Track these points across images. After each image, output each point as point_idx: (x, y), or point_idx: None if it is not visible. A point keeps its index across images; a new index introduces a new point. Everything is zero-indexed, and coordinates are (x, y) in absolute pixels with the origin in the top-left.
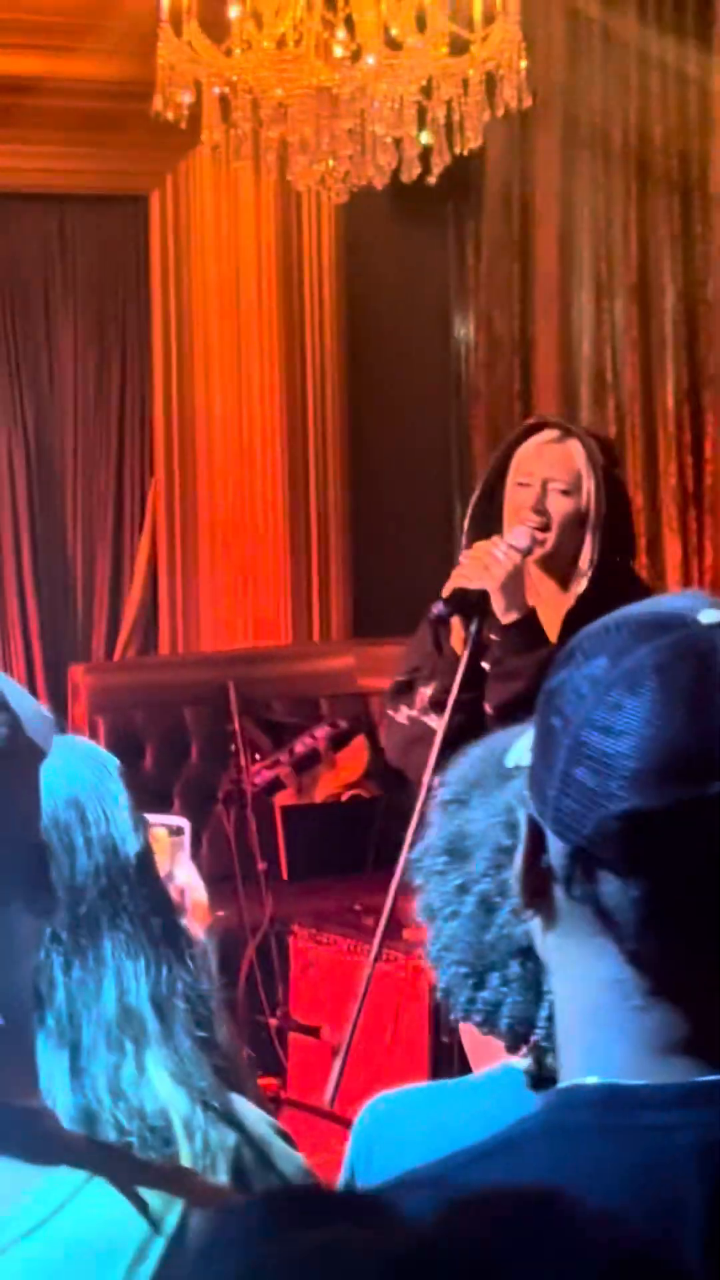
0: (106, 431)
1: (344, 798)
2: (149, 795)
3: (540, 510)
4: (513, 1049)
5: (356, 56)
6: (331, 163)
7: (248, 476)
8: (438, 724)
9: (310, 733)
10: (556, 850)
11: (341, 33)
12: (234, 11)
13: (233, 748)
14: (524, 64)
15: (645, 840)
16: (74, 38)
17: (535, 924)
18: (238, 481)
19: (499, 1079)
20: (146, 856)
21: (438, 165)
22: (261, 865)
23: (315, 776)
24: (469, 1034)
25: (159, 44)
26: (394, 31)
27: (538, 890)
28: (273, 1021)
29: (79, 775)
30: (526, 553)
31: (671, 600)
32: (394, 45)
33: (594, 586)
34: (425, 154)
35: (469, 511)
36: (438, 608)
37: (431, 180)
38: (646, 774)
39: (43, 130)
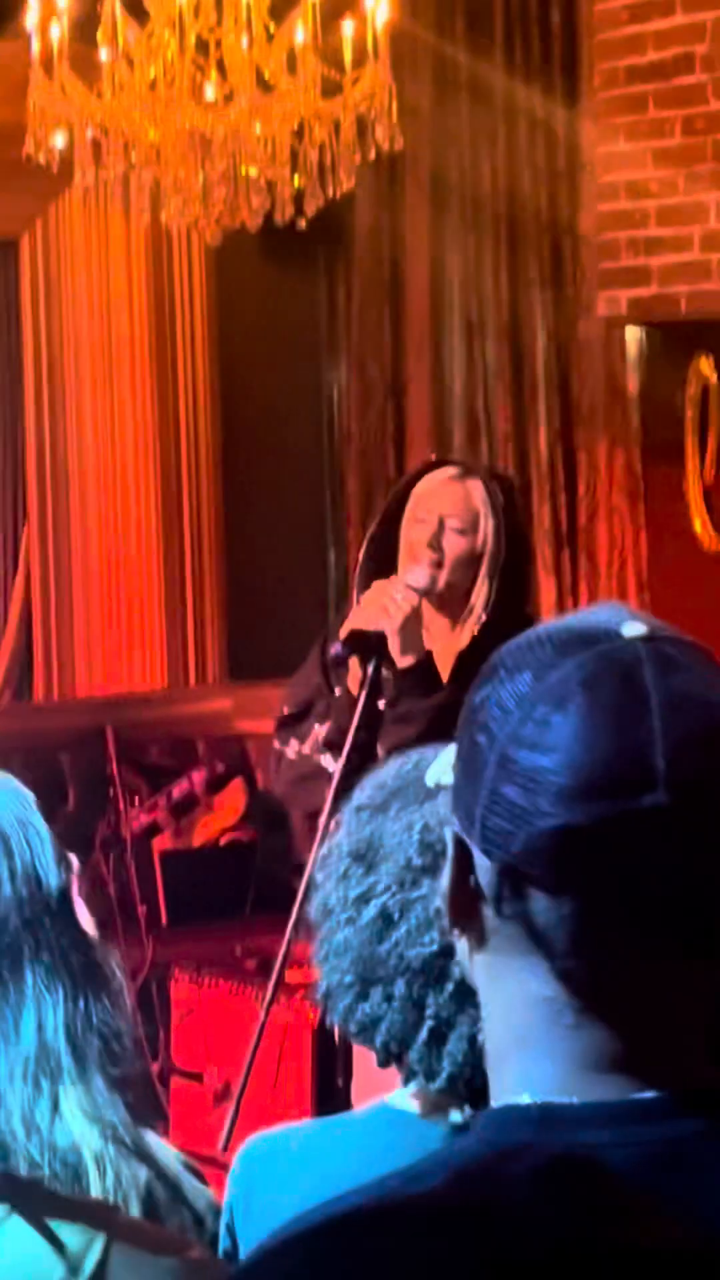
0: None
1: (222, 841)
2: None
3: (435, 546)
4: (383, 1064)
5: (229, 99)
6: (204, 206)
7: (121, 520)
8: (332, 765)
9: (187, 776)
10: (484, 869)
11: (214, 75)
12: (105, 54)
13: (110, 793)
14: (394, 106)
15: (575, 857)
16: None
17: (463, 944)
18: (111, 525)
19: (376, 1116)
20: (68, 891)
21: (311, 207)
22: (141, 910)
23: (193, 820)
24: (361, 1069)
25: (30, 87)
26: (266, 74)
27: (465, 910)
28: (154, 1067)
29: (1, 807)
30: (424, 593)
31: (593, 614)
32: (266, 87)
33: (487, 629)
34: (298, 196)
35: (363, 549)
36: (335, 648)
37: (303, 223)
38: (575, 790)
39: None
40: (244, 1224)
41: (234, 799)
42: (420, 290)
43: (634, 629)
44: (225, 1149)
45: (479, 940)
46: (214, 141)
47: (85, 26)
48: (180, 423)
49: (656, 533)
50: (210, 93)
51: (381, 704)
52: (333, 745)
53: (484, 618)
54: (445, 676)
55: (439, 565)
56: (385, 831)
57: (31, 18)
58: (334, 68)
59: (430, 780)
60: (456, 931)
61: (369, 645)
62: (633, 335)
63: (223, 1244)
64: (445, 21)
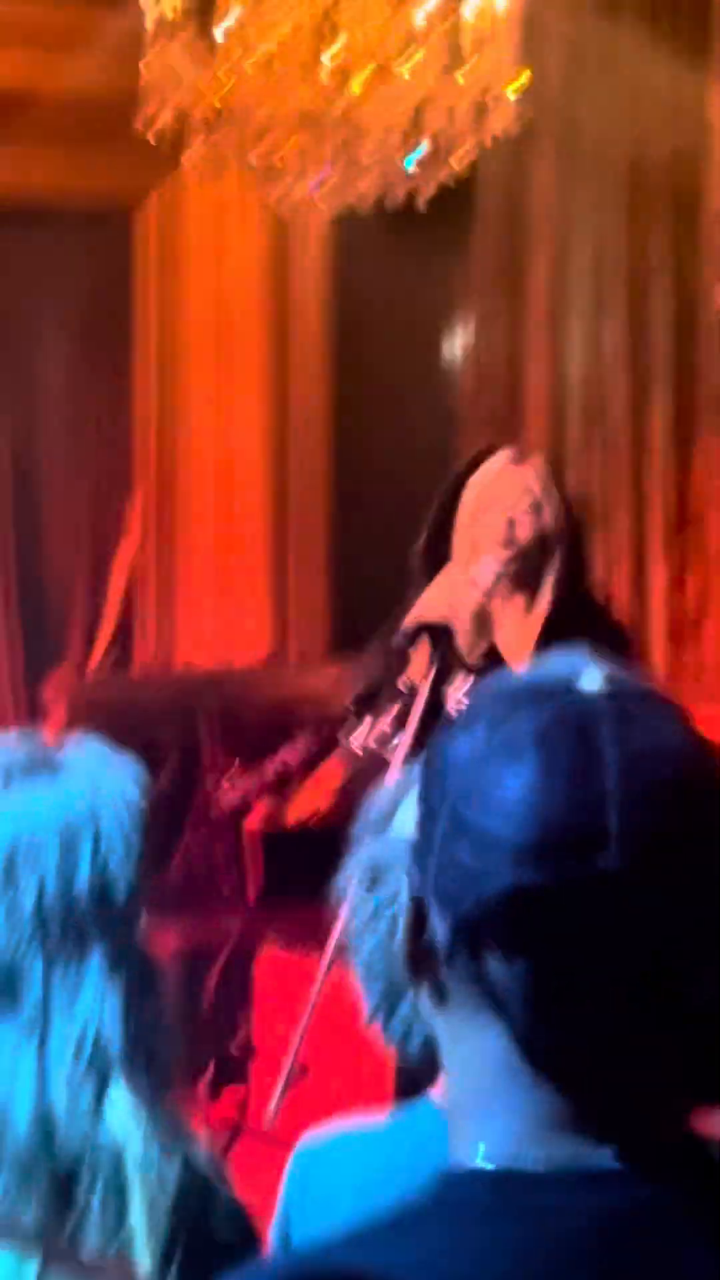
0: (88, 443)
1: (315, 822)
2: None
3: (510, 540)
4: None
5: (345, 79)
6: (315, 184)
7: (230, 494)
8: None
9: (283, 754)
10: (440, 926)
11: (329, 53)
12: (219, 32)
13: (203, 769)
14: (513, 91)
15: (526, 918)
16: (57, 50)
17: (424, 999)
18: (220, 499)
19: (420, 1113)
20: (142, 887)
21: (424, 191)
22: (229, 888)
23: (287, 798)
24: None
25: (142, 63)
26: (384, 55)
27: (422, 966)
28: (237, 1043)
29: (104, 785)
30: (493, 587)
31: (554, 665)
32: (383, 70)
33: (555, 607)
34: (410, 179)
35: (423, 538)
36: (399, 638)
37: (420, 206)
38: (527, 849)
39: (29, 145)
40: (299, 1226)
41: (330, 778)
42: (541, 273)
43: (593, 683)
44: (272, 1123)
45: (438, 997)
46: (326, 123)
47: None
48: (292, 397)
49: None
50: (324, 73)
51: (445, 696)
52: (392, 738)
53: (555, 598)
54: (523, 661)
55: (509, 557)
56: (391, 842)
57: None
58: (454, 51)
59: (395, 832)
60: (415, 987)
61: (435, 637)
62: None
63: (274, 1244)
64: (579, 2)
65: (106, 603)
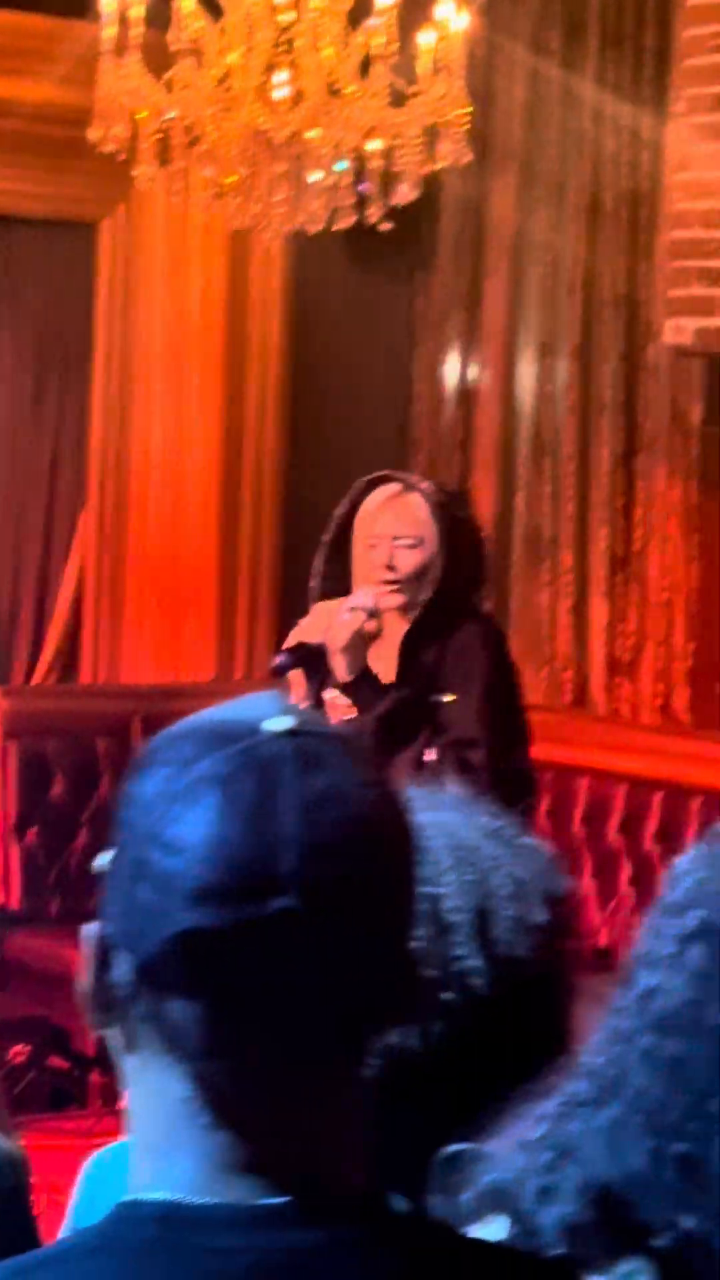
0: (39, 457)
1: None
2: (56, 823)
3: (391, 567)
4: None
5: (297, 101)
6: (264, 207)
7: (181, 510)
8: None
9: None
10: (123, 966)
11: (283, 75)
12: (175, 46)
13: None
14: (464, 116)
15: (204, 960)
16: (24, 61)
17: (112, 1040)
18: (170, 515)
19: None
20: None
21: (373, 215)
22: None
23: None
24: None
25: (98, 74)
26: (337, 80)
27: (107, 1005)
28: None
29: None
30: (372, 614)
31: (243, 705)
32: (335, 93)
33: (425, 614)
34: (361, 202)
35: (316, 565)
36: (279, 659)
37: (369, 229)
38: (203, 892)
39: None
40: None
41: None
42: (498, 302)
43: (280, 724)
44: None
45: (123, 1037)
46: (276, 143)
47: (162, 12)
48: (247, 417)
49: (709, 565)
50: (277, 94)
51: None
52: None
53: (422, 608)
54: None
55: (392, 583)
56: None
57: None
58: (409, 78)
59: (95, 867)
60: (101, 1026)
61: (312, 658)
62: (699, 365)
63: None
64: (542, 34)
65: (52, 618)
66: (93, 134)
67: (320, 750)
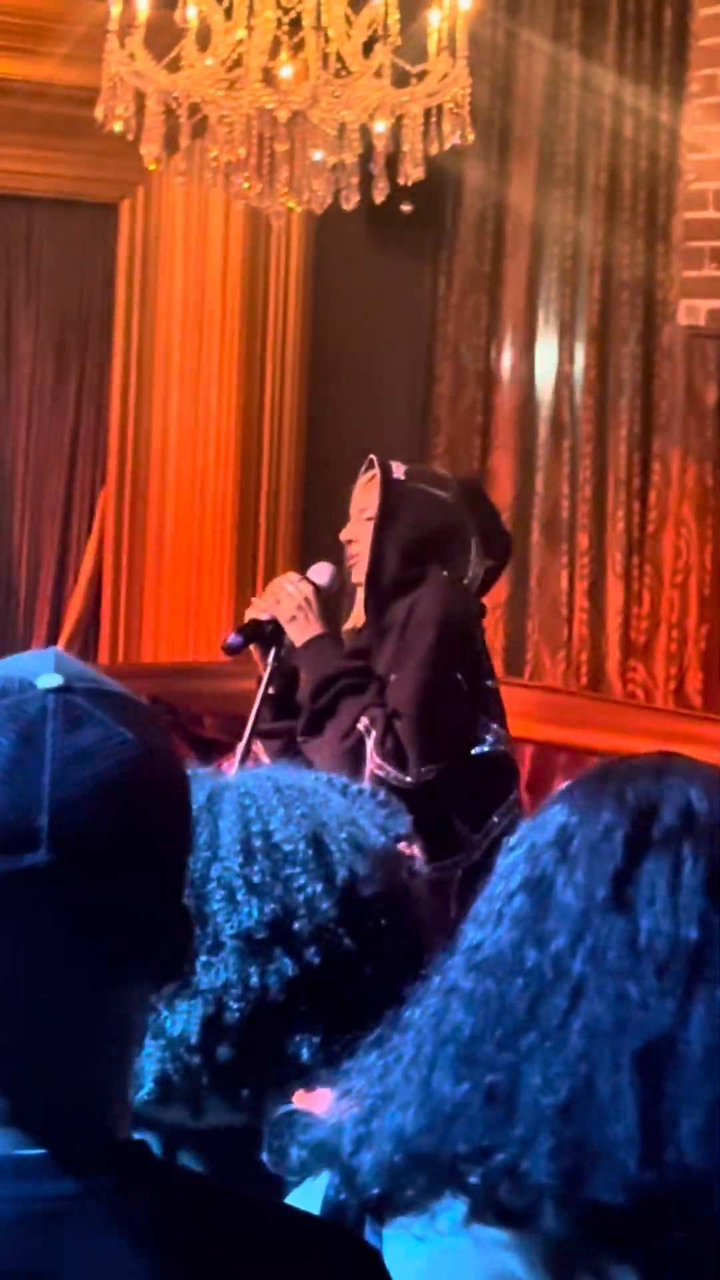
0: (60, 436)
1: None
2: None
3: (351, 539)
4: None
5: (300, 80)
6: (268, 185)
7: (200, 491)
8: (263, 753)
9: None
10: None
11: (286, 56)
12: (182, 17)
13: None
14: (466, 95)
15: None
16: (44, 41)
17: None
18: (190, 495)
19: None
20: None
21: (379, 193)
22: None
23: None
24: None
25: (104, 55)
26: (342, 59)
27: None
28: None
29: None
30: (329, 587)
31: (18, 662)
32: (339, 74)
33: (370, 580)
34: (367, 180)
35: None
36: (230, 638)
37: (405, 208)
38: None
39: (14, 133)
40: None
41: None
42: (518, 284)
43: (49, 681)
44: None
45: None
46: (279, 122)
47: None
48: (266, 398)
49: None
50: (283, 73)
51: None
52: (259, 734)
53: (365, 577)
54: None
55: (349, 558)
56: None
57: None
58: (415, 58)
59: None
60: None
61: (265, 634)
62: (714, 347)
63: None
64: (560, 16)
65: (71, 597)
66: (98, 113)
67: (87, 706)
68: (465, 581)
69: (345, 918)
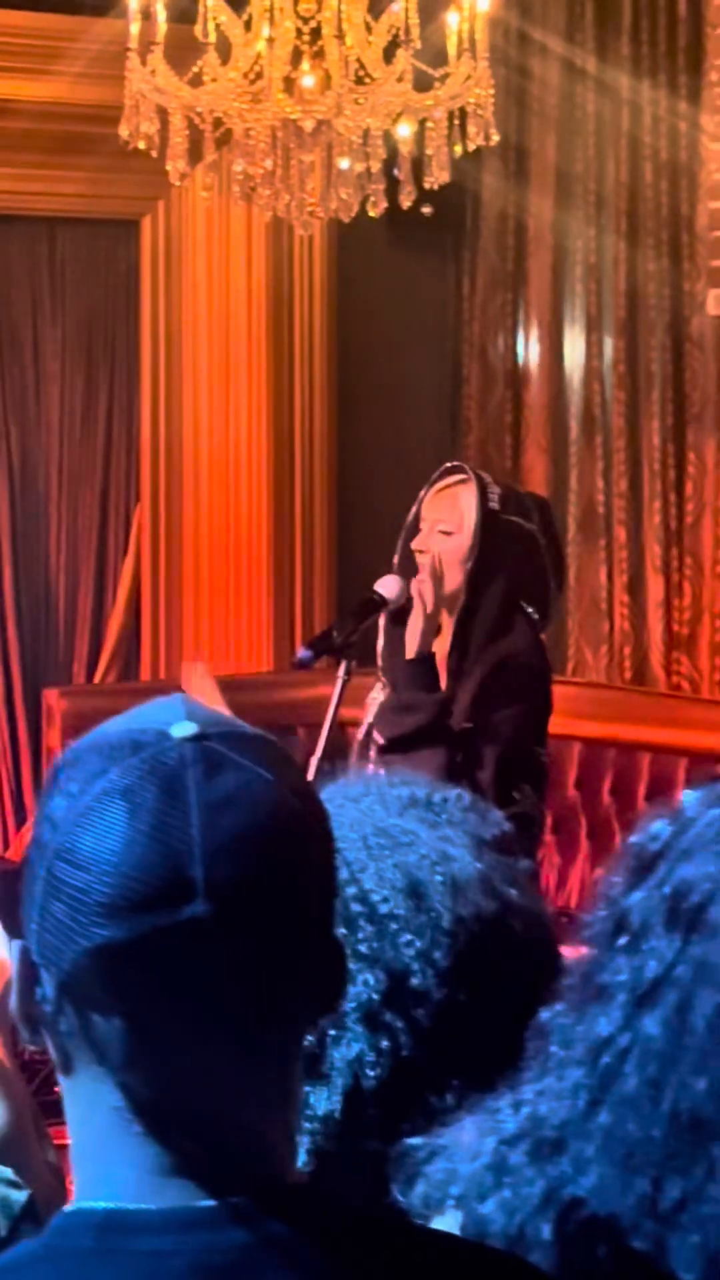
0: (92, 455)
1: None
2: None
3: (423, 551)
4: None
5: (324, 90)
6: (294, 196)
7: (234, 504)
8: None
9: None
10: (47, 984)
11: (307, 65)
12: (202, 31)
13: None
14: (490, 96)
15: (119, 972)
16: (58, 60)
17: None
18: (224, 509)
19: None
20: None
21: (406, 199)
22: None
23: None
24: None
25: (126, 72)
26: (364, 66)
27: (37, 1021)
28: None
29: None
30: (391, 603)
31: (147, 712)
32: (360, 80)
33: (462, 627)
34: (394, 188)
35: (397, 552)
36: (301, 653)
37: (426, 211)
38: (114, 905)
39: (34, 153)
40: None
41: None
42: (543, 281)
43: (184, 729)
44: None
45: (57, 1054)
46: (305, 132)
47: (187, 8)
48: (296, 409)
49: None
50: (305, 82)
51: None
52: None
53: (457, 614)
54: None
55: (430, 572)
56: None
57: None
58: (436, 61)
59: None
60: (33, 1043)
61: (332, 647)
62: None
63: None
64: (575, 13)
65: (110, 615)
66: (122, 131)
67: (224, 752)
68: (547, 622)
69: (460, 961)
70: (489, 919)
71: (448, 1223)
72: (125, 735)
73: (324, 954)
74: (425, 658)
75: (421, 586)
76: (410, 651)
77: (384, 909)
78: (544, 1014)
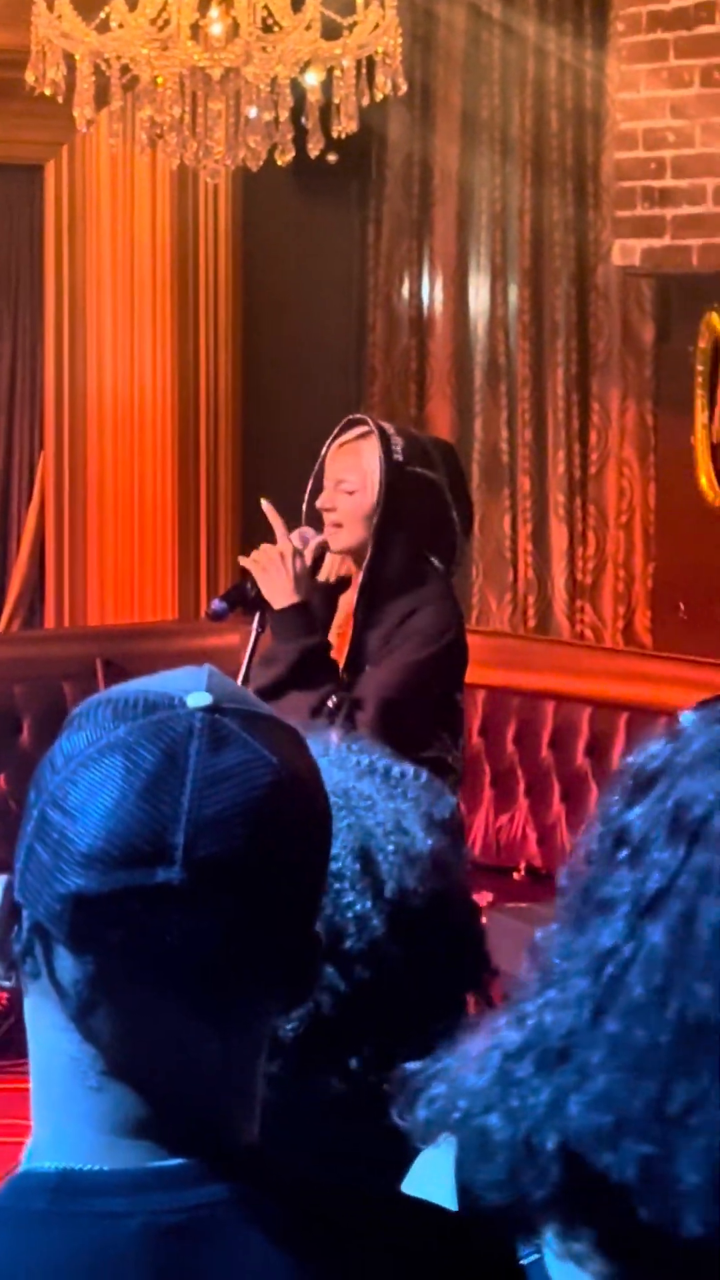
0: None
1: None
2: (26, 769)
3: (329, 509)
4: None
5: (231, 37)
6: (201, 144)
7: (138, 452)
8: None
9: None
10: (24, 920)
11: (215, 11)
12: None
13: None
14: (398, 45)
15: (89, 922)
16: None
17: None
18: (128, 456)
19: None
20: None
21: (314, 148)
22: None
23: None
24: None
25: (33, 17)
26: (270, 13)
27: (10, 960)
28: None
29: None
30: (297, 553)
31: (171, 677)
32: (268, 28)
33: (370, 577)
34: (301, 136)
35: (304, 508)
36: (214, 604)
37: (331, 159)
38: (93, 857)
39: None
40: None
41: None
42: (448, 228)
43: (199, 700)
44: None
45: (27, 991)
46: (213, 80)
47: None
48: (200, 355)
49: (666, 486)
50: (214, 30)
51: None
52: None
53: (363, 571)
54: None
55: (338, 525)
56: None
57: None
58: (344, 10)
59: None
60: (7, 981)
61: (245, 598)
62: (648, 286)
63: None
64: None
65: (14, 564)
66: (28, 77)
67: (234, 727)
68: (455, 567)
69: (395, 932)
70: (430, 897)
71: (451, 1143)
72: (142, 695)
73: (297, 944)
74: (292, 607)
75: (294, 540)
76: (275, 603)
77: (334, 866)
78: (539, 934)
